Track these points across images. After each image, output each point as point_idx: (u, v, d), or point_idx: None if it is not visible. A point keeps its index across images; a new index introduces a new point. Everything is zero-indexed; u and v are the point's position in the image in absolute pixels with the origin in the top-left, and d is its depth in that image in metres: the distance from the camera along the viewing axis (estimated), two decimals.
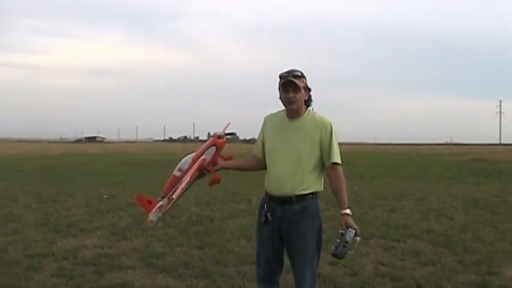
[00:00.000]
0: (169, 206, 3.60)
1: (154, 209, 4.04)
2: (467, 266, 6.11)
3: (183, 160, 4.02)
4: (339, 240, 3.55)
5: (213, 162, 3.90)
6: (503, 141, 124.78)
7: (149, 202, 4.13)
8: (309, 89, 3.71)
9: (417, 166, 27.28)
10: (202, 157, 3.89)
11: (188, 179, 3.72)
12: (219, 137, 3.94)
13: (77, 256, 6.47)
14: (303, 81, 3.65)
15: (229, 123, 4.44)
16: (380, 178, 19.41)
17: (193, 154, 4.00)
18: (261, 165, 3.90)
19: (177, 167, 4.03)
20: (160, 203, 4.08)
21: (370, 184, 16.55)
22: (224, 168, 3.95)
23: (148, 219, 4.00)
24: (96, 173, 21.06)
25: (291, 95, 3.61)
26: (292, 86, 3.60)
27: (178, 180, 3.99)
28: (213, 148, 3.91)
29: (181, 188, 3.64)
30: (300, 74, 3.64)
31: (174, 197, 3.54)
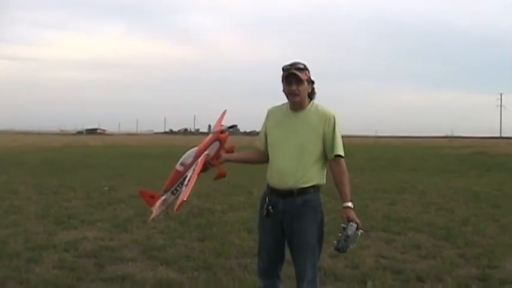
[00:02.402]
0: (180, 206, 3.56)
1: (158, 204, 4.04)
2: (468, 259, 6.12)
3: (186, 154, 4.00)
4: (340, 234, 3.54)
5: (217, 156, 3.89)
6: (503, 135, 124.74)
7: (152, 196, 4.15)
8: (312, 82, 3.69)
9: (418, 159, 27.29)
10: (206, 152, 3.86)
11: (196, 178, 3.68)
12: (222, 131, 3.92)
13: (77, 248, 6.48)
14: (306, 73, 3.62)
15: (226, 111, 4.43)
16: (381, 171, 19.41)
17: (195, 148, 3.98)
18: (264, 158, 3.88)
19: (179, 162, 4.01)
20: (164, 197, 4.08)
21: (370, 177, 16.54)
22: (228, 160, 3.93)
23: (153, 215, 4.01)
24: (97, 165, 21.05)
25: (294, 87, 3.59)
26: (295, 79, 3.58)
27: (181, 175, 3.97)
28: (217, 143, 3.89)
29: (190, 187, 3.60)
30: (303, 66, 3.62)
31: (185, 199, 3.50)
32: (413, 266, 5.81)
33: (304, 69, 3.63)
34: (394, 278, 5.41)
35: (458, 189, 13.16)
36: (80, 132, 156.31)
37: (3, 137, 74.36)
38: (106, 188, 12.45)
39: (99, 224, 8.03)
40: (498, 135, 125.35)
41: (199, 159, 3.83)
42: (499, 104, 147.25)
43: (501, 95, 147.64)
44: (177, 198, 3.90)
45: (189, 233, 7.42)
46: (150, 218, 4.08)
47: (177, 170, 4.01)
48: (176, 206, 3.56)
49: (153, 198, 4.13)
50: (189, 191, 3.56)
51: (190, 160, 3.94)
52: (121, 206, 9.74)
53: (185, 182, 3.79)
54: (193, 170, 3.80)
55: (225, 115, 4.34)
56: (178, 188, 3.99)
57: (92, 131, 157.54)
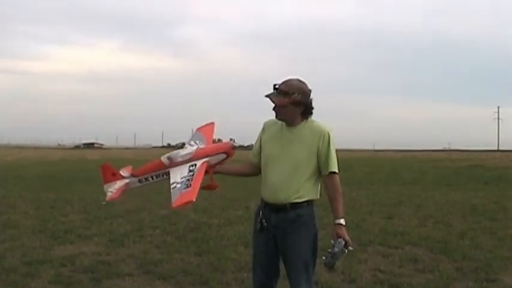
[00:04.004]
0: (183, 204, 3.44)
1: (118, 186, 3.92)
2: (466, 273, 6.11)
3: (177, 151, 3.98)
4: (329, 250, 3.55)
5: (214, 166, 3.88)
6: (501, 148, 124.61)
7: (113, 174, 4.00)
8: (304, 103, 3.61)
9: (415, 172, 27.24)
10: (207, 159, 3.85)
11: (200, 180, 3.64)
12: (233, 147, 3.92)
13: (74, 263, 6.46)
14: (289, 98, 3.57)
15: (214, 123, 4.43)
16: (378, 184, 19.39)
17: (190, 151, 3.93)
18: (257, 171, 3.89)
19: (167, 155, 3.96)
20: (127, 180, 3.96)
21: (368, 190, 16.53)
22: (220, 173, 3.93)
23: (113, 196, 3.89)
24: (95, 180, 20.94)
25: (276, 108, 3.65)
26: (273, 101, 3.63)
27: (163, 167, 3.91)
28: (223, 155, 3.89)
29: (196, 189, 3.53)
30: (287, 90, 3.58)
31: (194, 199, 3.43)
32: (411, 280, 5.80)
33: (288, 94, 3.57)
34: None
35: (456, 202, 13.14)
36: (77, 147, 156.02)
37: (1, 151, 74.17)
38: (103, 203, 12.36)
39: (96, 238, 8.01)
40: (496, 148, 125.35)
41: (199, 164, 3.80)
42: (497, 117, 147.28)
43: (498, 108, 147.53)
44: (144, 186, 3.88)
45: (186, 247, 7.40)
46: (107, 199, 3.94)
47: (160, 161, 3.94)
48: (177, 202, 3.48)
49: (114, 176, 3.99)
50: (196, 192, 3.50)
51: (179, 159, 3.89)
52: (118, 220, 9.72)
53: (173, 182, 3.71)
54: (194, 172, 3.72)
55: (214, 127, 4.34)
56: (150, 179, 3.93)
57: (89, 145, 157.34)
